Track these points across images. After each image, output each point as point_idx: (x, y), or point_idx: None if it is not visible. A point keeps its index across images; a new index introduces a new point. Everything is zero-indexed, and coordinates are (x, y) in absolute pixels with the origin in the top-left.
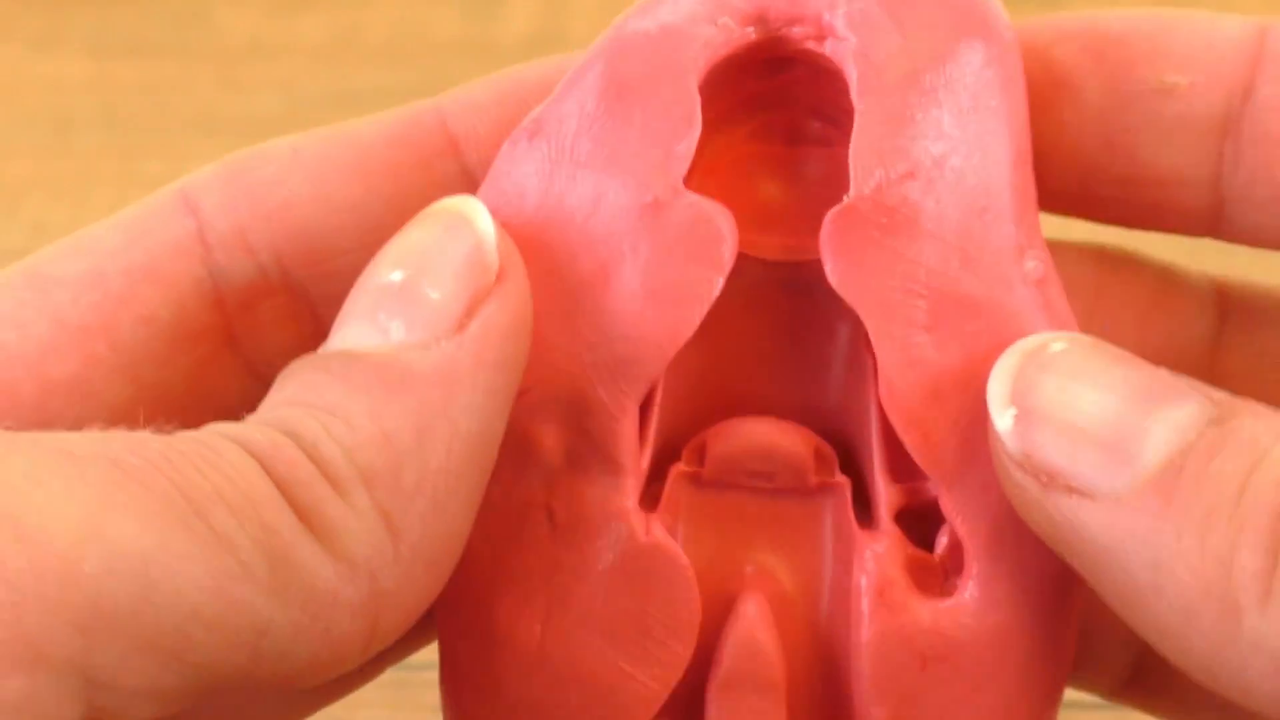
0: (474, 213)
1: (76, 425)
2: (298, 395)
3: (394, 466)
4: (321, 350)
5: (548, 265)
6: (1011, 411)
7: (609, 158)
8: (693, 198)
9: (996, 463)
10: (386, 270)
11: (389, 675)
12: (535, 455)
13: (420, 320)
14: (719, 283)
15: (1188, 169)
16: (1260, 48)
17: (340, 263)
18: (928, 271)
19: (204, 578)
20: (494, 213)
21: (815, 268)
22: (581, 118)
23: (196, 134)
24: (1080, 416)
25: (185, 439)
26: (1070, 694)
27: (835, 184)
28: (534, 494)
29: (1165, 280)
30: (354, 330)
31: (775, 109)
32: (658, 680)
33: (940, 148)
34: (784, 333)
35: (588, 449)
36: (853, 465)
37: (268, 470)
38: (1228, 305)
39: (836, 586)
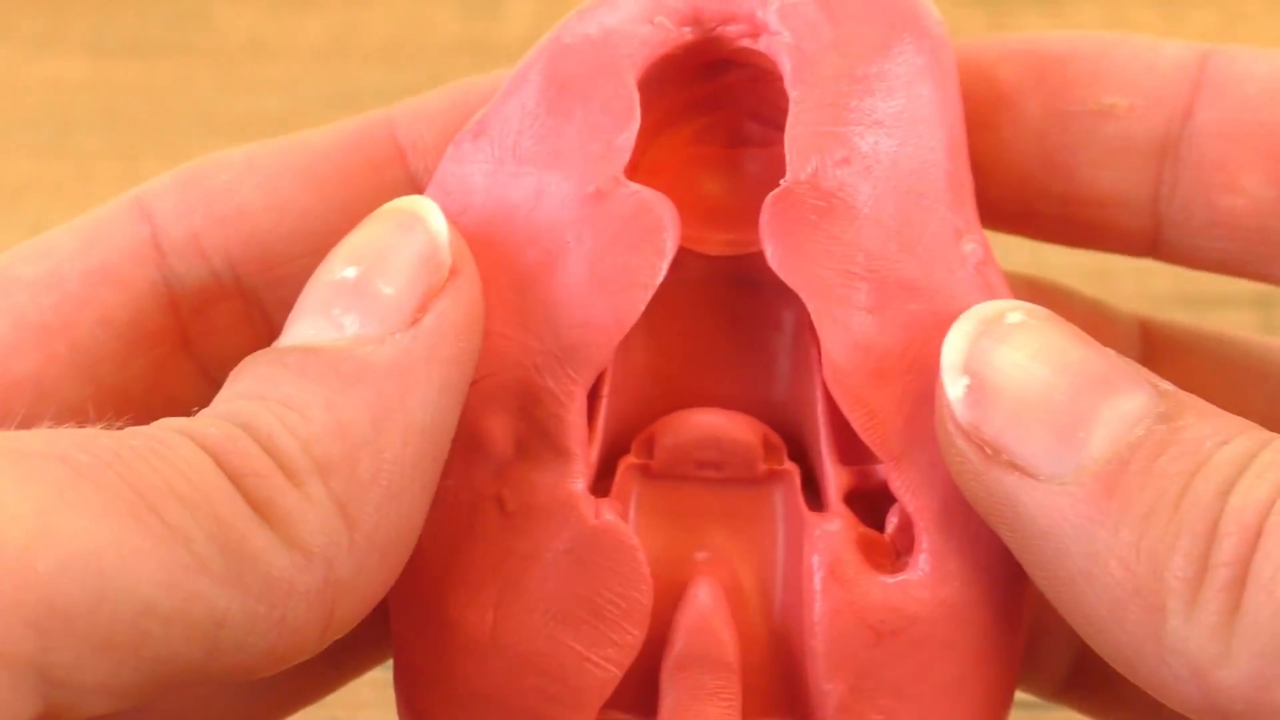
0: (426, 211)
1: (34, 424)
2: (252, 388)
3: (350, 457)
4: (276, 345)
5: (494, 259)
6: (964, 381)
7: (551, 153)
8: (634, 187)
9: (940, 429)
10: (340, 267)
11: (389, 676)
12: (485, 446)
13: (374, 314)
14: (662, 268)
15: (1126, 190)
16: (1201, 73)
17: (292, 267)
18: (866, 254)
19: (158, 572)
20: (442, 211)
21: (758, 261)
22: (523, 116)
23: (196, 134)
24: (1032, 395)
25: (136, 434)
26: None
27: (774, 180)
28: (484, 484)
29: (1094, 315)
30: (308, 325)
31: (715, 112)
32: (612, 662)
33: (875, 135)
34: (729, 326)
35: (536, 438)
36: (802, 457)
37: (220, 463)
38: (1151, 341)
39: (789, 571)
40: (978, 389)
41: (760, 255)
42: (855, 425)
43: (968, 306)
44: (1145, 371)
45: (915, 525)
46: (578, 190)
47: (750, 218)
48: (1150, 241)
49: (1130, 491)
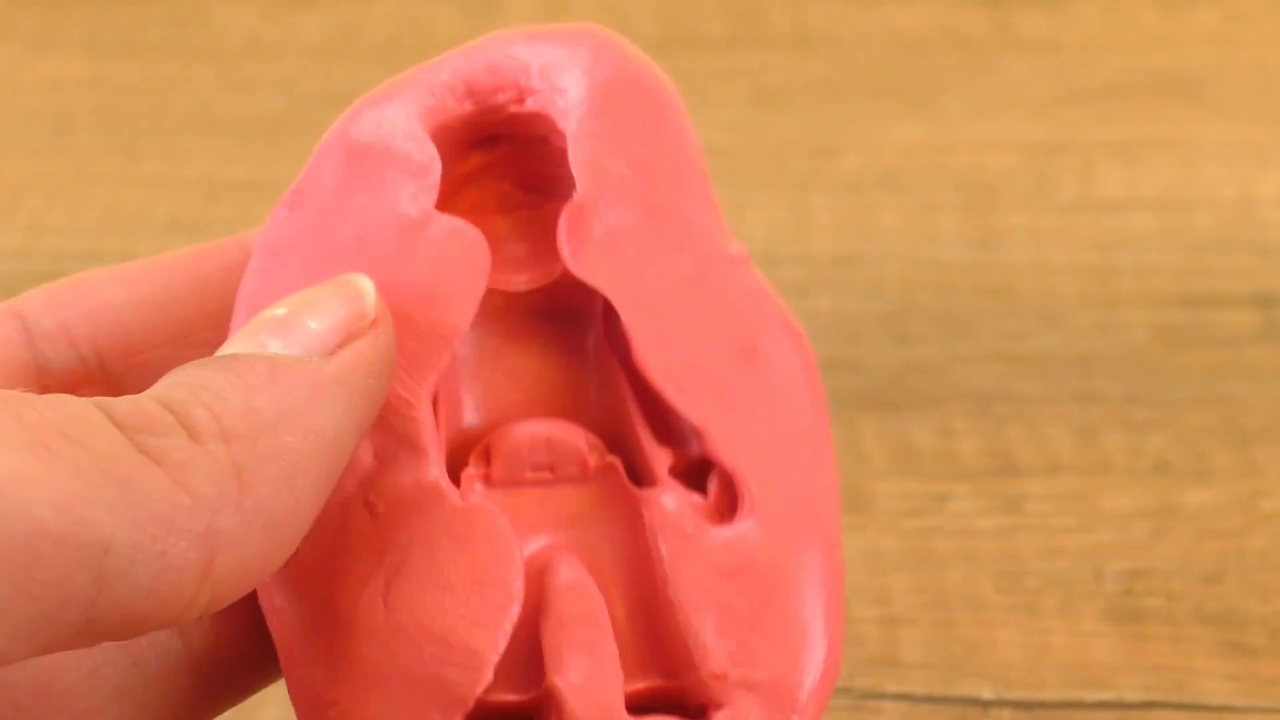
0: (358, 277)
1: None
2: (172, 378)
3: (254, 433)
4: None
5: None
6: None
7: (367, 201)
8: (445, 216)
9: None
10: (273, 309)
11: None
12: (349, 463)
13: (297, 341)
14: (483, 279)
15: None
16: None
17: (153, 355)
18: (651, 256)
19: (49, 495)
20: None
21: (556, 290)
22: (333, 174)
23: (195, 133)
24: None
25: (24, 392)
26: (1070, 694)
27: (549, 229)
28: (352, 494)
29: None
30: (234, 347)
31: (489, 184)
32: (497, 625)
33: (642, 156)
34: (540, 353)
35: (393, 443)
36: (622, 456)
37: (117, 423)
38: None
39: (633, 547)
40: None
41: (558, 287)
42: (669, 399)
43: (738, 294)
44: None
45: (736, 480)
46: (396, 224)
47: (539, 258)
48: None
49: None
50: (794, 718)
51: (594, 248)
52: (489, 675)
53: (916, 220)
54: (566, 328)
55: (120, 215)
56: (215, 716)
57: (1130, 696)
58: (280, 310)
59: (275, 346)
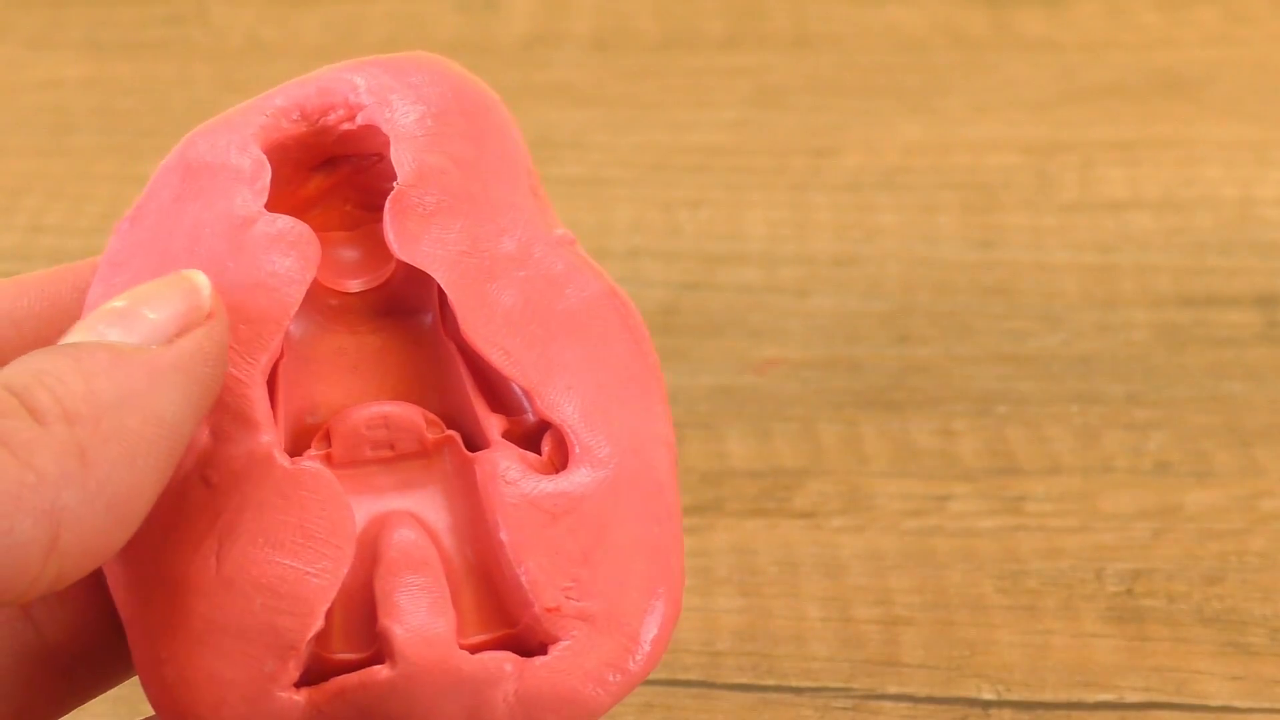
0: (193, 273)
1: None
2: (14, 365)
3: (95, 415)
4: None
5: None
6: None
7: (200, 209)
8: (273, 214)
9: None
10: (112, 302)
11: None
12: (188, 444)
13: (136, 331)
14: (312, 265)
15: None
16: None
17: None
18: (473, 238)
19: None
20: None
21: (390, 287)
22: (170, 190)
23: None
24: None
25: None
26: (1071, 695)
27: (385, 242)
28: (190, 472)
29: None
30: (74, 336)
31: (333, 206)
32: (328, 573)
33: (464, 153)
34: (380, 344)
35: (228, 420)
36: (462, 432)
37: None
38: None
39: (471, 508)
40: None
41: (391, 284)
42: (497, 365)
43: (560, 269)
44: None
45: (565, 432)
46: (227, 226)
47: (373, 262)
48: None
49: None
50: (635, 649)
51: (417, 231)
52: (319, 620)
53: (916, 220)
54: (403, 320)
55: (119, 215)
56: (76, 707)
57: (1131, 697)
58: (119, 303)
59: (114, 335)
